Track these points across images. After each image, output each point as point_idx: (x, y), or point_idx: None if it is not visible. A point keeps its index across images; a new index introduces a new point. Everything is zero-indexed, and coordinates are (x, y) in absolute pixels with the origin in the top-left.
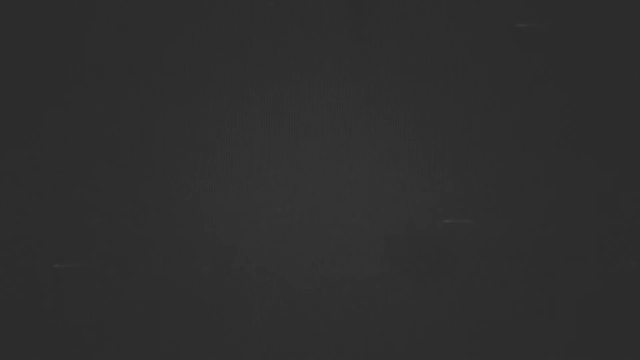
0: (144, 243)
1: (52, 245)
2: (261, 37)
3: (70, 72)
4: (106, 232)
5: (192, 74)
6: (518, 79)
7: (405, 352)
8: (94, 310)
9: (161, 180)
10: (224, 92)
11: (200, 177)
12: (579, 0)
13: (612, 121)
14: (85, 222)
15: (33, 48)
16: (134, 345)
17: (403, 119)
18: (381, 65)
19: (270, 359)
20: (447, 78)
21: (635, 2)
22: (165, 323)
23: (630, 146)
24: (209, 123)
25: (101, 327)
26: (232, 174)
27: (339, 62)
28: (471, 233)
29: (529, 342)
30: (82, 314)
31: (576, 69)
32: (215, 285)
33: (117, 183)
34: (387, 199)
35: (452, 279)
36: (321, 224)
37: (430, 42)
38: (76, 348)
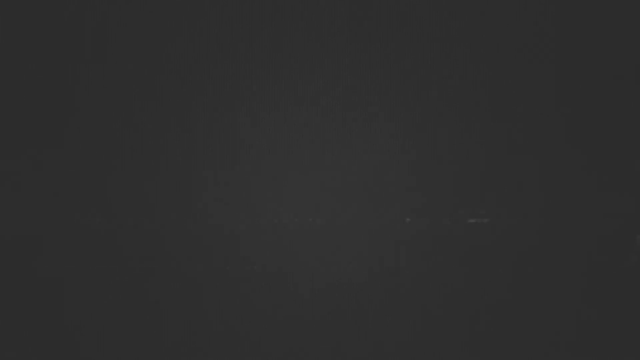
0: (144, 243)
1: (52, 244)
2: (261, 37)
3: (70, 72)
4: (107, 230)
5: (192, 74)
6: (518, 79)
7: (404, 351)
8: (93, 310)
9: (160, 180)
10: (224, 92)
11: (199, 177)
12: (579, 1)
13: (612, 121)
14: (85, 221)
15: (33, 48)
16: (134, 346)
17: (403, 119)
18: (381, 65)
19: (271, 358)
20: (447, 78)
21: (636, 2)
22: (165, 323)
23: (630, 146)
24: (209, 123)
25: (101, 327)
26: (232, 173)
27: (339, 62)
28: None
29: (529, 342)
30: (83, 312)
31: (576, 69)
32: (215, 285)
33: (117, 181)
34: (387, 198)
35: (453, 278)
36: (321, 223)
37: (430, 43)
38: (76, 346)
